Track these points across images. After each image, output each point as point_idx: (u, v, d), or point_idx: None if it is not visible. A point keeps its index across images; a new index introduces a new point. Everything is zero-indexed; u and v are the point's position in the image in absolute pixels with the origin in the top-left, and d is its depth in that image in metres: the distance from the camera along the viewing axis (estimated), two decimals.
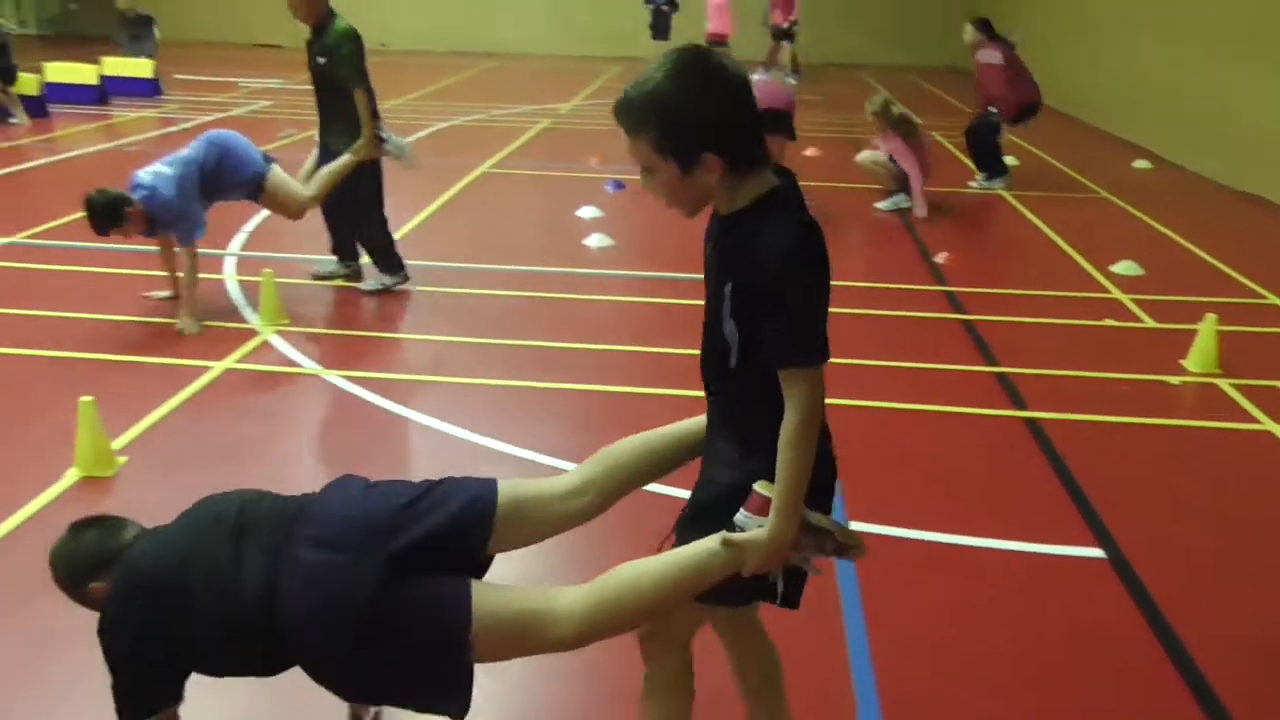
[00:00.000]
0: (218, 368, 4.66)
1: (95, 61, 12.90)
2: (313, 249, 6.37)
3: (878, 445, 4.14)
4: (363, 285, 5.88)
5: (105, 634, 1.99)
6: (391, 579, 1.89)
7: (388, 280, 5.85)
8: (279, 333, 5.15)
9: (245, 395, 4.49)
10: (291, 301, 5.46)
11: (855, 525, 3.41)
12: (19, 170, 8.99)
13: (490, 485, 2.08)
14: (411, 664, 1.91)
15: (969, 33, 9.30)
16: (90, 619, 2.03)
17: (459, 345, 5.08)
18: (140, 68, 13.38)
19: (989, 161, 9.37)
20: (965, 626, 3.02)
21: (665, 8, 16.89)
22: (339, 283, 6.03)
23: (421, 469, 3.85)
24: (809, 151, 10.59)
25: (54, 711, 2.61)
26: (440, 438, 4.10)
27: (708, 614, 2.04)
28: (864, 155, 8.68)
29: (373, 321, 5.52)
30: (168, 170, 5.04)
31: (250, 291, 5.71)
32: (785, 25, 16.27)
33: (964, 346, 5.32)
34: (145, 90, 13.22)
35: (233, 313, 5.42)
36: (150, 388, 4.42)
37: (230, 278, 6.02)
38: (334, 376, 4.65)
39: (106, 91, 12.62)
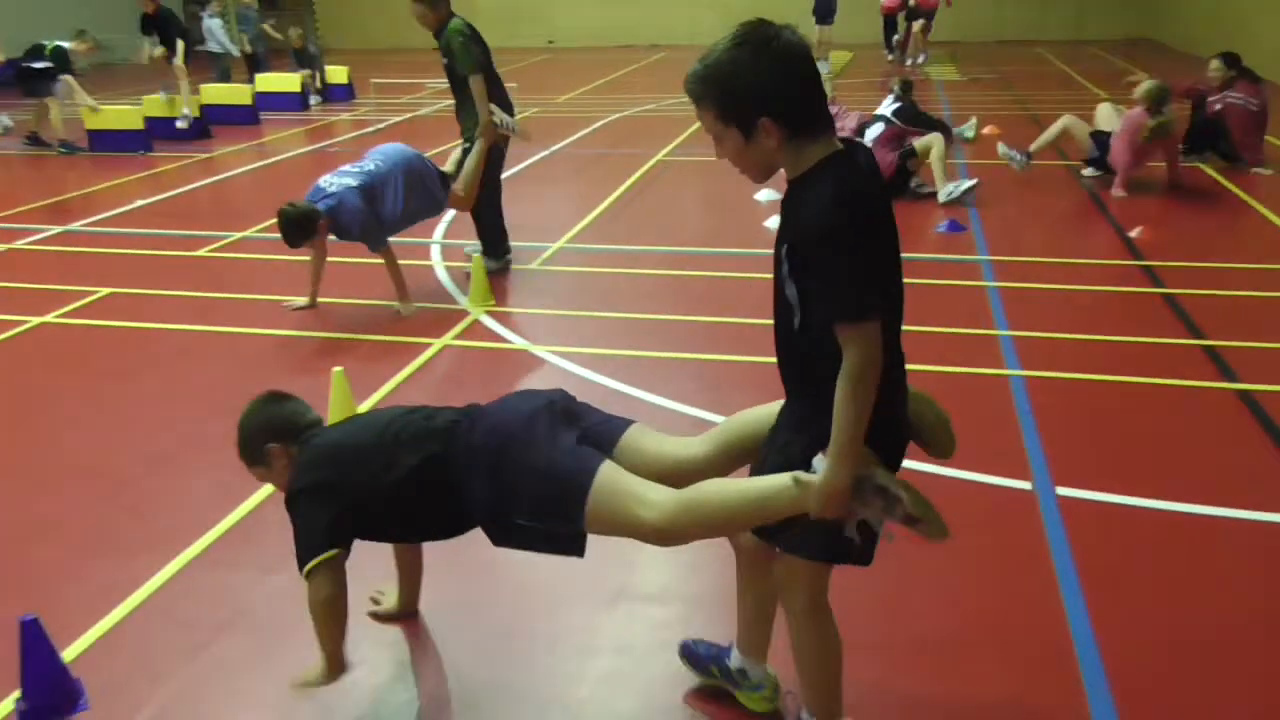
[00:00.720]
0: (437, 344, 5.06)
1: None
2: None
3: (1085, 415, 4.13)
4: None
5: (296, 491, 2.41)
6: (545, 418, 2.33)
7: (491, 265, 6.10)
8: (488, 312, 5.52)
9: (465, 368, 4.86)
10: (494, 283, 5.85)
11: (1066, 491, 3.50)
12: (258, 168, 9.85)
13: (624, 420, 2.44)
14: (534, 502, 2.24)
15: (1216, 68, 8.67)
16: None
17: (658, 321, 5.32)
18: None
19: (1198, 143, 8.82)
20: (1185, 594, 3.02)
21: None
22: (538, 265, 6.39)
23: None
24: (987, 129, 10.37)
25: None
26: (650, 408, 4.34)
27: (819, 571, 2.16)
28: (1104, 108, 8.42)
29: (571, 301, 5.82)
30: (352, 181, 5.29)
31: (455, 276, 6.13)
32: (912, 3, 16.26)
33: (1166, 320, 5.18)
34: (342, 95, 14.17)
35: (444, 295, 5.84)
36: (381, 362, 4.85)
37: (438, 264, 6.46)
38: (542, 351, 4.97)
39: (306, 98, 13.61)
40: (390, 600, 2.96)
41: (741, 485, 2.10)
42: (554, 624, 2.94)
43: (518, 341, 5.11)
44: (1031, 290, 5.67)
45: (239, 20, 14.87)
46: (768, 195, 7.98)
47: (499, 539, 2.36)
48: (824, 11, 16.82)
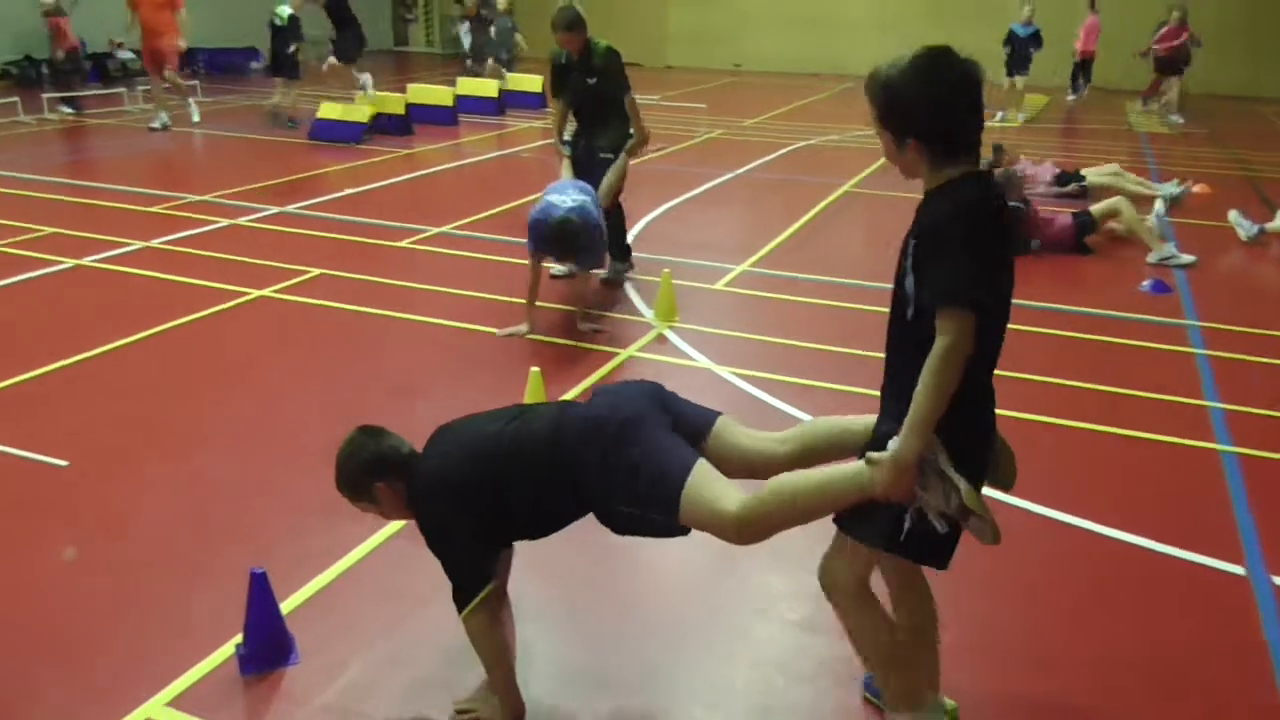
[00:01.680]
0: (622, 354, 5.17)
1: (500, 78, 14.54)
2: (688, 253, 6.83)
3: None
4: (600, 273, 6.32)
5: (428, 529, 2.51)
6: (650, 413, 2.45)
7: (620, 267, 6.42)
8: (672, 328, 5.61)
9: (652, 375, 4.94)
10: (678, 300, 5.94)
11: None
12: (456, 166, 10.33)
13: (714, 411, 2.60)
14: (637, 496, 2.35)
15: None
16: None
17: (846, 356, 5.27)
18: (529, 83, 14.83)
19: None
20: None
21: (1026, 48, 16.21)
22: (722, 286, 6.45)
23: None
24: (1197, 188, 9.83)
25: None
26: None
27: (867, 559, 2.30)
28: None
29: (754, 325, 5.84)
30: (587, 198, 5.42)
31: (639, 289, 6.26)
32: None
33: None
34: (535, 103, 14.70)
35: (631, 308, 5.97)
36: (569, 367, 4.99)
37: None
38: (725, 372, 5.01)
39: (504, 104, 14.17)
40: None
41: (815, 474, 2.26)
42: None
43: (700, 359, 5.16)
44: (1246, 363, 5.34)
45: (497, 28, 15.65)
46: None
47: (614, 527, 2.50)
48: (1018, 65, 16.10)
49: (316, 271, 6.42)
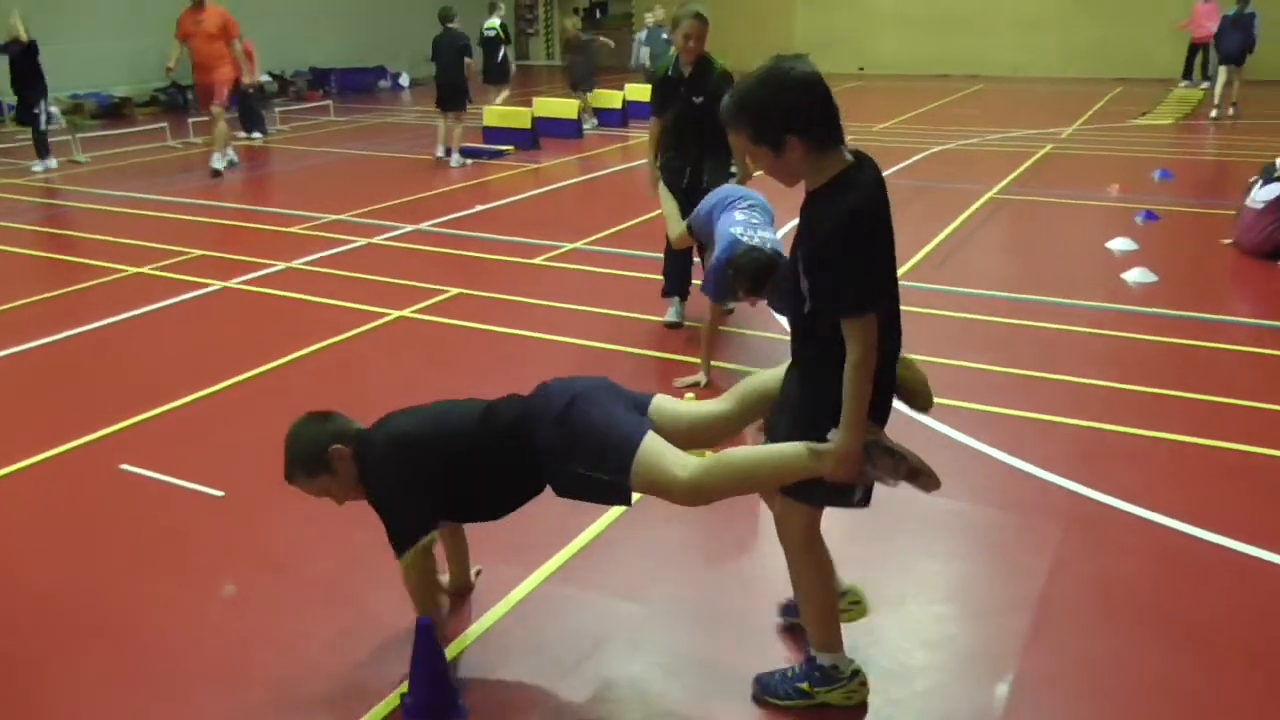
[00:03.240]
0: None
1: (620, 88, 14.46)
2: None
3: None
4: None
5: (375, 484, 2.68)
6: (605, 388, 2.69)
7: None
8: None
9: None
10: None
11: None
12: (581, 181, 10.28)
13: (649, 394, 2.77)
14: (592, 455, 2.54)
15: None
16: None
17: (1009, 376, 4.90)
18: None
19: None
20: None
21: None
22: None
23: (968, 493, 3.77)
24: None
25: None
26: (1011, 472, 3.97)
27: (817, 514, 2.52)
28: None
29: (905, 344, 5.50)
30: (770, 234, 4.69)
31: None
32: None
33: None
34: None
35: (778, 326, 5.70)
36: (705, 393, 4.77)
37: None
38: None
39: (628, 115, 14.07)
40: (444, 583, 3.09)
41: (761, 451, 2.43)
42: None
43: None
44: None
45: (653, 40, 15.28)
46: (1123, 245, 7.28)
47: (560, 488, 2.69)
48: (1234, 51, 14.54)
49: (454, 290, 6.37)
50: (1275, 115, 14.13)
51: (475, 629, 3.00)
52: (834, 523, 2.59)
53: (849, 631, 2.71)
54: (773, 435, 2.53)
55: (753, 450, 2.47)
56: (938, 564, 3.41)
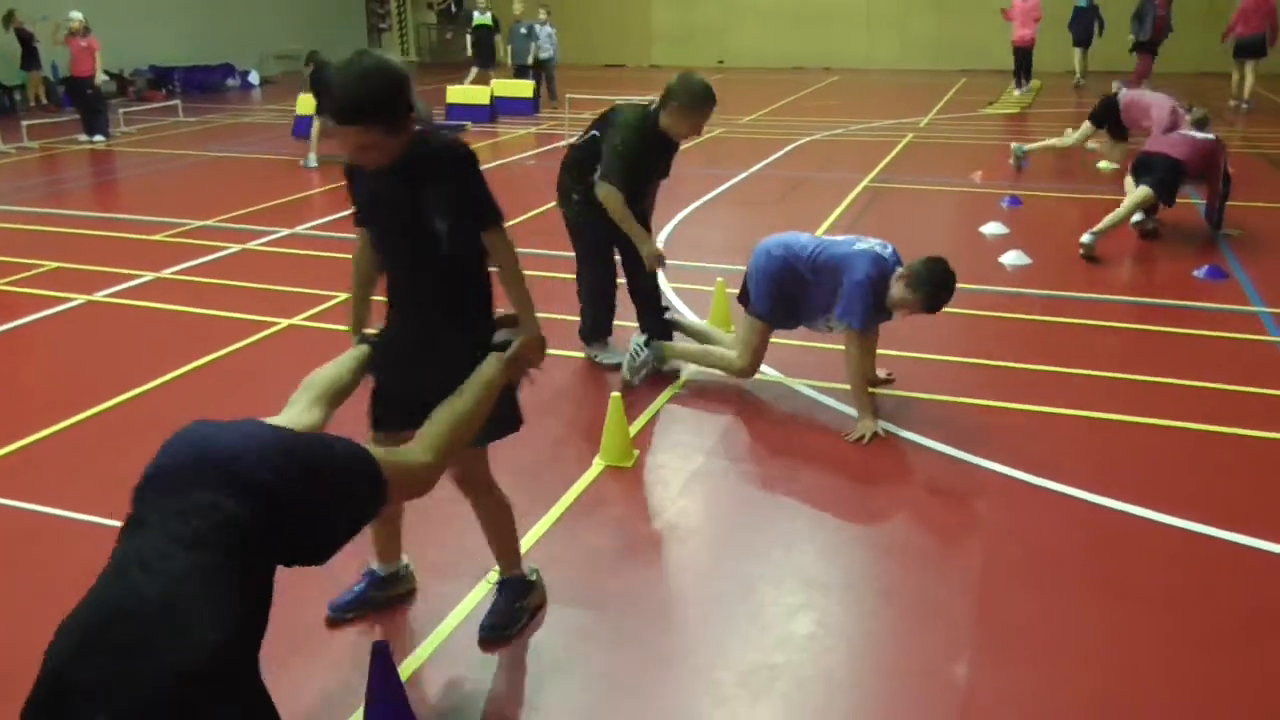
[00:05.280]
0: (688, 370, 4.91)
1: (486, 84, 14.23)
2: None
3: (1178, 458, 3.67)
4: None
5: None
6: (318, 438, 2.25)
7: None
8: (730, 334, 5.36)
9: (714, 397, 4.68)
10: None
11: None
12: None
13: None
14: (344, 487, 2.05)
15: None
16: None
17: (912, 360, 5.04)
18: (523, 88, 14.54)
19: None
20: None
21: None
22: None
23: (898, 474, 3.86)
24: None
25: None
26: (919, 450, 4.09)
27: (486, 455, 2.81)
28: None
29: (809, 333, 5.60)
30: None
31: (687, 299, 6.00)
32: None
33: None
34: (526, 109, 14.39)
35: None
36: (639, 391, 4.73)
37: (663, 284, 6.33)
38: (799, 384, 4.77)
39: (496, 110, 13.86)
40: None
41: (462, 394, 2.45)
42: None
43: (770, 372, 4.90)
44: None
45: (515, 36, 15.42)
46: (994, 229, 7.61)
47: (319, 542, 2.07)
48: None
49: (345, 295, 6.09)
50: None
51: (426, 646, 2.88)
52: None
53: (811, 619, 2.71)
54: (429, 394, 2.45)
55: (454, 399, 2.44)
56: (873, 546, 3.47)
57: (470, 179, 2.55)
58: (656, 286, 5.12)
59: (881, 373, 4.65)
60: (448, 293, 2.63)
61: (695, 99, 4.63)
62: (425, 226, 2.51)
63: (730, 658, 2.86)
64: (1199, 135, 7.21)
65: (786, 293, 4.44)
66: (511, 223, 7.86)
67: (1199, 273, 6.42)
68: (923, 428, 4.27)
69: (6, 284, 6.46)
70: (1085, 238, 6.81)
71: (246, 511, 1.73)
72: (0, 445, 4.17)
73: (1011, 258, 6.82)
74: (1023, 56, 15.74)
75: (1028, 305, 5.91)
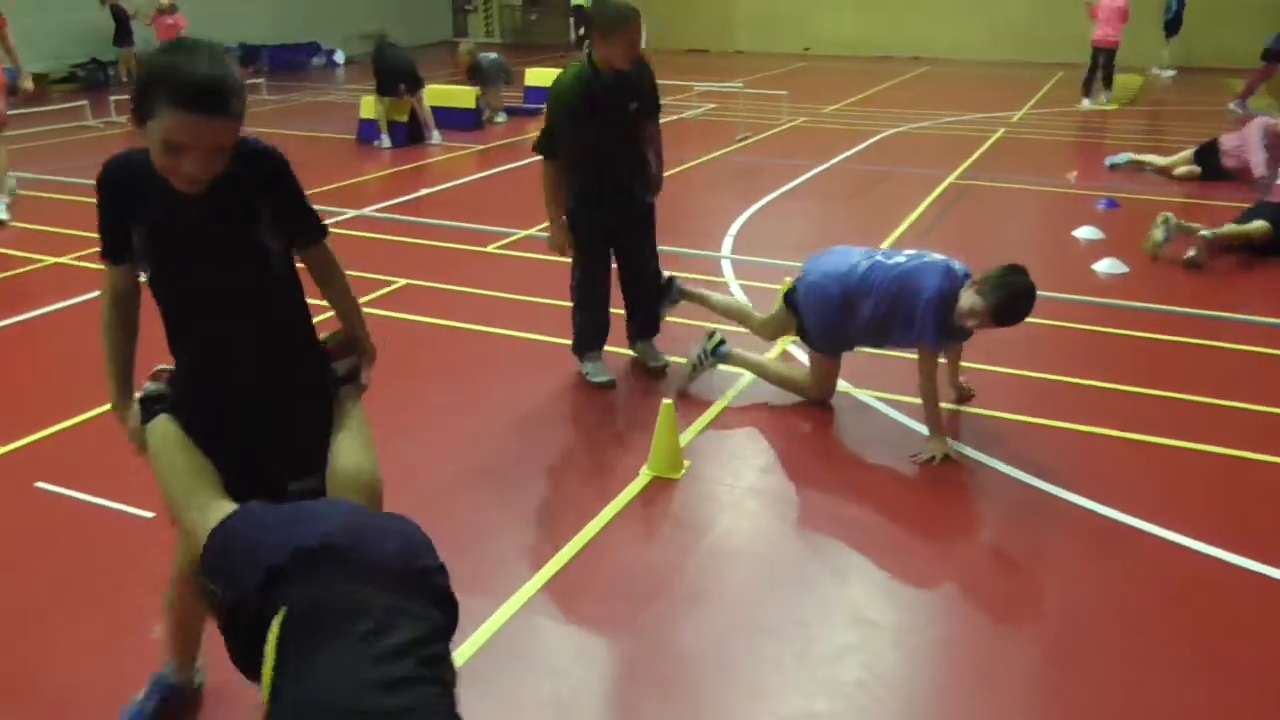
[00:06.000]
0: (746, 376, 4.65)
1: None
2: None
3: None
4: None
5: None
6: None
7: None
8: (795, 343, 5.08)
9: (772, 407, 4.41)
10: None
11: None
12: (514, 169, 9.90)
13: None
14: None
15: None
16: None
17: (976, 371, 4.70)
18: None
19: None
20: None
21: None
22: None
23: (969, 502, 3.56)
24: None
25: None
26: (995, 477, 3.77)
27: None
28: None
29: None
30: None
31: (754, 296, 5.73)
32: None
33: None
34: None
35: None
36: (689, 398, 4.50)
37: (731, 281, 6.08)
38: (865, 395, 4.48)
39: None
40: None
41: (358, 441, 2.20)
42: None
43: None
44: None
45: None
46: (1088, 234, 7.16)
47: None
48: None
49: (402, 282, 6.00)
50: (1211, 103, 14.23)
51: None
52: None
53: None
54: (305, 453, 2.18)
55: (352, 453, 2.17)
56: (935, 585, 3.18)
57: (296, 184, 2.14)
58: (651, 284, 4.71)
59: (964, 381, 4.34)
60: (285, 324, 2.16)
61: (609, 21, 4.13)
62: (253, 249, 2.05)
63: (771, 700, 2.62)
64: None
65: (842, 326, 4.13)
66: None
67: None
68: (999, 451, 3.95)
69: (74, 258, 6.50)
70: (1191, 252, 6.37)
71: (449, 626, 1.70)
72: (48, 425, 4.13)
73: (1106, 265, 6.38)
74: (1104, 60, 13.70)
75: (1123, 319, 5.50)
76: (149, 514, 3.43)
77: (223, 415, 2.12)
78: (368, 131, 10.86)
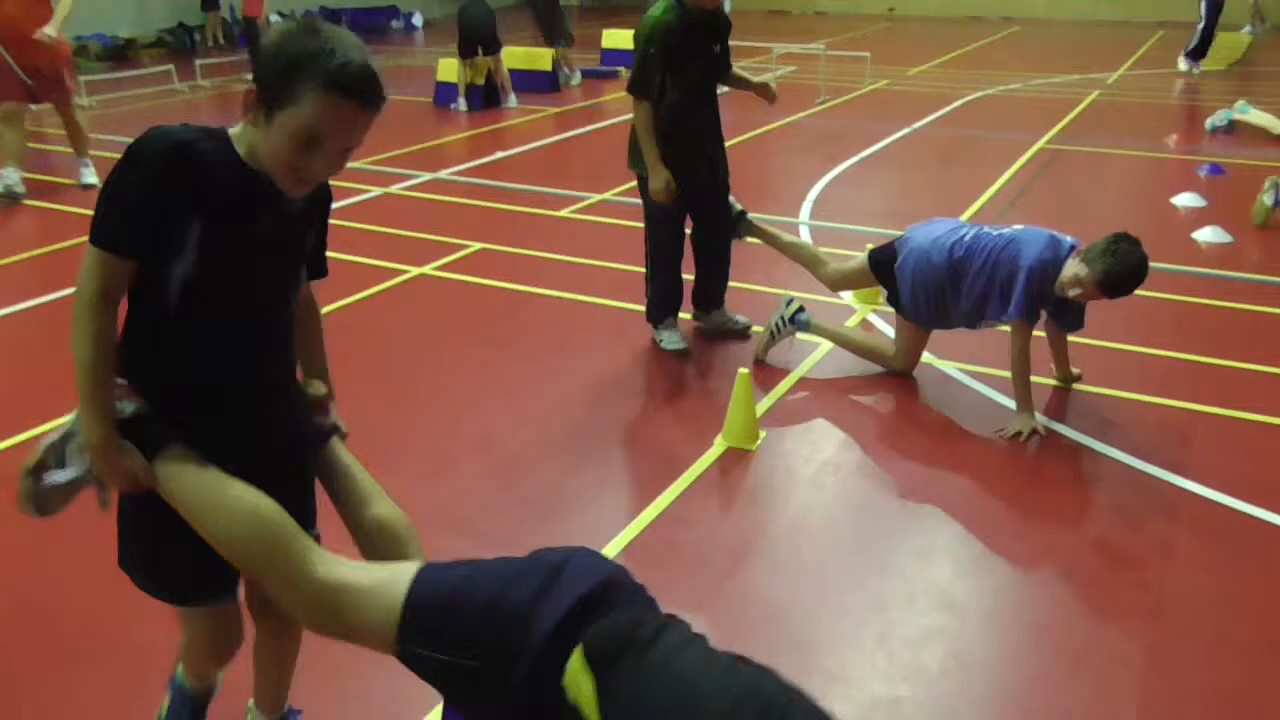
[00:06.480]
0: (825, 345, 4.52)
1: None
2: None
3: None
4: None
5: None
6: None
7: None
8: (876, 311, 4.92)
9: (852, 378, 4.27)
10: None
11: None
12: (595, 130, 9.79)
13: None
14: None
15: None
16: None
17: (1081, 347, 4.48)
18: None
19: None
20: None
21: None
22: None
23: (1062, 482, 3.39)
24: None
25: None
26: (1088, 455, 3.59)
27: None
28: None
29: None
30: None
31: None
32: None
33: None
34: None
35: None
36: (765, 368, 4.38)
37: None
38: (949, 367, 4.31)
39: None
40: None
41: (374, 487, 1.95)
42: None
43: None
44: None
45: None
46: (1188, 201, 6.80)
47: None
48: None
49: (477, 246, 5.96)
50: None
51: None
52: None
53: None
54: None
55: (375, 502, 1.94)
56: (1024, 568, 3.04)
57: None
58: (726, 248, 4.57)
59: (1075, 370, 4.14)
60: (289, 349, 1.96)
61: None
62: (297, 276, 1.92)
63: (851, 686, 2.53)
64: None
65: (944, 297, 3.94)
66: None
67: None
68: (1094, 428, 3.76)
69: None
70: None
71: None
72: None
73: (1208, 234, 6.05)
74: (1210, 16, 12.59)
75: (1226, 290, 5.21)
76: None
77: (242, 437, 1.81)
78: (445, 94, 10.86)
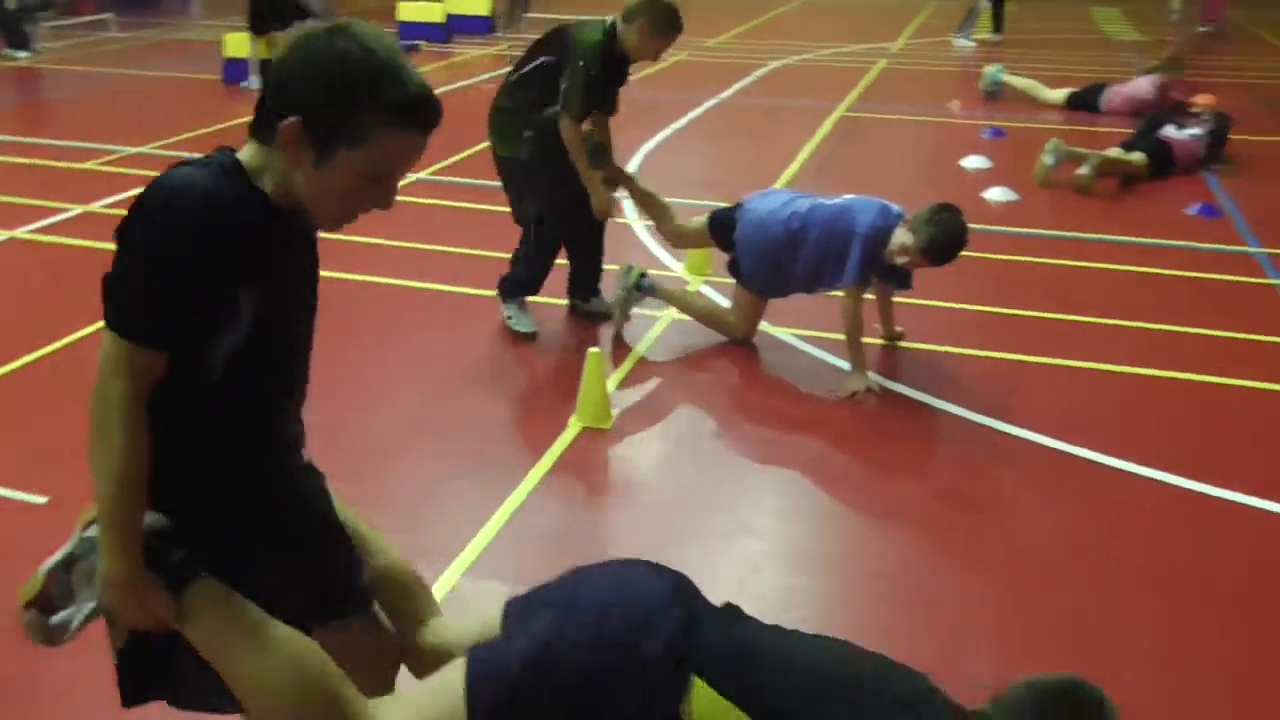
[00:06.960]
0: (665, 316, 4.58)
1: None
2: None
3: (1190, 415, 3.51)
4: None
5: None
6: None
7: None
8: (708, 282, 5.03)
9: (694, 348, 4.36)
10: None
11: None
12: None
13: None
14: None
15: None
16: None
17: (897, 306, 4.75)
18: (479, 5, 13.76)
19: None
20: None
21: None
22: None
23: (902, 437, 3.61)
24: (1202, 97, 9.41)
25: None
26: (914, 406, 3.83)
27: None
28: None
29: None
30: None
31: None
32: None
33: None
34: (482, 28, 13.66)
35: (655, 262, 5.34)
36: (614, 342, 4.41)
37: (635, 222, 5.97)
38: (782, 332, 4.47)
39: (451, 30, 13.12)
40: None
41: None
42: None
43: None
44: None
45: None
46: (976, 163, 7.30)
47: None
48: None
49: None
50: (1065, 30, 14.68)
51: None
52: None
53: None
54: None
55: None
56: (873, 520, 3.21)
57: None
58: (600, 239, 4.60)
59: (899, 328, 4.38)
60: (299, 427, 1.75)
61: (668, 22, 4.14)
62: (314, 323, 1.69)
63: None
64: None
65: (782, 266, 4.08)
66: (464, 154, 7.25)
67: (1192, 210, 6.19)
68: (925, 383, 4.01)
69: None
70: (1083, 169, 6.58)
71: None
72: None
73: (997, 194, 6.53)
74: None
75: (1021, 246, 5.64)
76: (40, 499, 3.17)
77: (268, 563, 1.56)
78: (234, 71, 10.20)
